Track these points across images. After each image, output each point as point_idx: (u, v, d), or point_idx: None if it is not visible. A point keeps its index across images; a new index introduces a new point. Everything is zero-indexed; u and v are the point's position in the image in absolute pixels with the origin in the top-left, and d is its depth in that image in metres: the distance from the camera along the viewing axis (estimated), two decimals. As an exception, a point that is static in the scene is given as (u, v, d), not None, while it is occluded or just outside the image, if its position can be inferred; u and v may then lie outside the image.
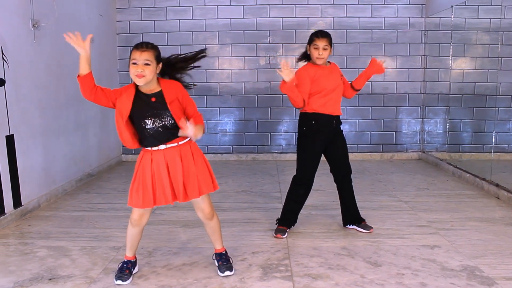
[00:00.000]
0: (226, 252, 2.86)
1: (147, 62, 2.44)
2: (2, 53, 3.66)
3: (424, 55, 6.43)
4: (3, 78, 3.67)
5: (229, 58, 6.45)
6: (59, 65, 4.60)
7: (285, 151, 6.63)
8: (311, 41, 3.30)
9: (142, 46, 2.48)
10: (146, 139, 2.56)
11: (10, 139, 3.76)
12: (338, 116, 3.43)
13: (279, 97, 6.50)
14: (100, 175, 5.64)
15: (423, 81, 6.48)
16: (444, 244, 3.21)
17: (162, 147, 2.55)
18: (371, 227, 3.52)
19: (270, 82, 6.48)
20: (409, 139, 6.65)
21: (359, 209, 3.57)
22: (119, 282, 2.65)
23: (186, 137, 2.58)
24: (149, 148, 2.57)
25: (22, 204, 3.94)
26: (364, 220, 3.57)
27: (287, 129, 6.58)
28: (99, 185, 5.13)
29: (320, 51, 3.26)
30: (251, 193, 4.71)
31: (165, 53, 2.61)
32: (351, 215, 3.56)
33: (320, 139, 3.36)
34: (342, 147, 3.47)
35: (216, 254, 2.84)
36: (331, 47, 3.30)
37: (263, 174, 5.56)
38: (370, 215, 3.86)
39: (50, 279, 2.69)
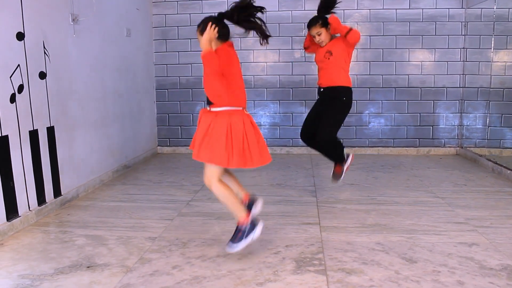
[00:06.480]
0: (239, 227, 2.84)
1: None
2: (44, 47, 3.76)
3: (463, 48, 6.24)
4: (45, 71, 3.78)
5: (264, 51, 6.44)
6: (97, 58, 4.70)
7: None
8: None
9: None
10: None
11: (50, 131, 3.88)
12: (330, 88, 3.84)
13: (313, 90, 6.43)
14: (136, 167, 5.75)
15: (463, 74, 6.30)
16: (482, 242, 3.13)
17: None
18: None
19: (305, 75, 6.44)
20: (446, 134, 6.49)
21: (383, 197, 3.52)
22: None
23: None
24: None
25: (62, 193, 4.06)
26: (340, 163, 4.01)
27: (321, 122, 6.52)
28: (135, 176, 5.24)
29: (316, 39, 3.79)
30: (285, 186, 4.71)
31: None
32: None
33: (316, 103, 4.07)
34: (325, 113, 3.86)
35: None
36: (325, 26, 3.71)
37: (297, 168, 5.54)
38: (406, 211, 3.80)
39: (88, 267, 2.77)
